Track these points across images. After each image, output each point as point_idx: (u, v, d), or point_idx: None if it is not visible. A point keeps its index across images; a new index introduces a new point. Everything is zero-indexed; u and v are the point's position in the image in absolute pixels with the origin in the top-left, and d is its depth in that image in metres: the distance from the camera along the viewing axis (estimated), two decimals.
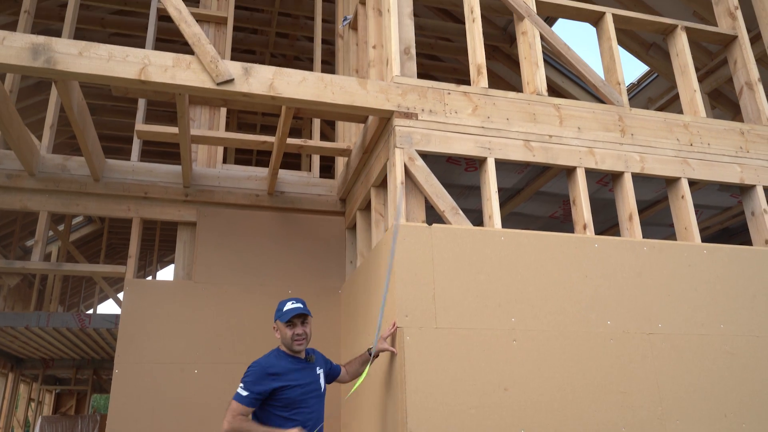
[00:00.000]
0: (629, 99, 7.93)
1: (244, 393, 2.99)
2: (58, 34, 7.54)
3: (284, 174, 5.55)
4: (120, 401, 4.56)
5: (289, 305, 3.20)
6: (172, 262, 15.89)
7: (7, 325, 5.69)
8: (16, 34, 3.45)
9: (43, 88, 9.30)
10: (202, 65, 3.67)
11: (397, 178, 3.75)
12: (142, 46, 7.19)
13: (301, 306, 3.20)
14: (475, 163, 4.37)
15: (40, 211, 5.08)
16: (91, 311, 16.03)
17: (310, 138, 7.10)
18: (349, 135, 5.69)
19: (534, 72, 4.37)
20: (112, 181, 5.13)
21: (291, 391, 3.05)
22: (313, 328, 4.97)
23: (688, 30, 5.00)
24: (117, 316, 5.74)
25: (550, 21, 7.19)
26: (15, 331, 6.17)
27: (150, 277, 15.09)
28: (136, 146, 5.46)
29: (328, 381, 3.45)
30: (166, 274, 21.96)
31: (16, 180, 4.95)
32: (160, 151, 11.68)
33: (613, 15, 4.81)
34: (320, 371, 3.32)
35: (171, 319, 4.84)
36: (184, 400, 4.58)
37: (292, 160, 10.94)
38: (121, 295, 9.65)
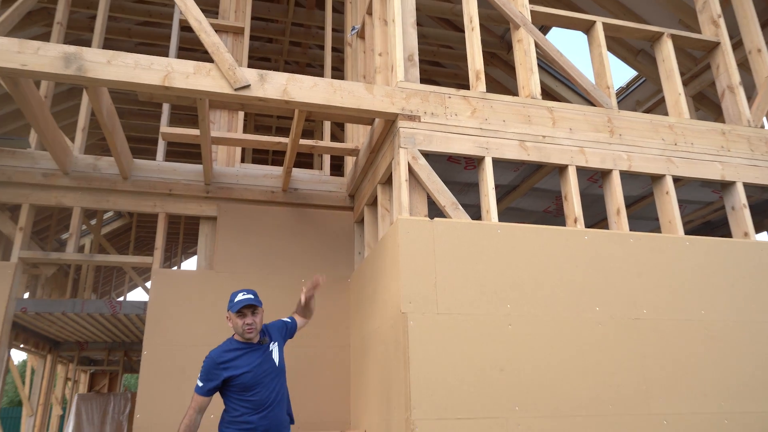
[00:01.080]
0: (618, 102, 7.89)
1: (200, 384, 3.03)
2: (88, 44, 7.56)
3: (297, 172, 5.56)
4: (148, 380, 4.61)
5: (240, 296, 3.12)
6: (195, 253, 15.96)
7: (45, 311, 5.74)
8: (50, 44, 3.47)
9: (75, 94, 9.35)
10: (221, 72, 3.68)
11: (401, 176, 3.75)
12: (166, 54, 7.19)
13: (252, 297, 3.12)
14: (474, 162, 4.36)
15: (74, 207, 5.12)
16: (121, 298, 16.14)
17: (321, 139, 7.12)
18: (357, 136, 5.69)
19: (529, 77, 4.36)
20: (140, 179, 5.16)
21: (242, 377, 3.01)
22: (324, 313, 5.04)
23: (673, 37, 4.96)
24: (145, 303, 5.78)
25: (544, 29, 7.16)
26: (52, 317, 6.22)
27: (175, 267, 15.17)
28: (161, 147, 5.49)
29: (290, 336, 3.51)
30: (189, 264, 22.04)
31: (51, 178, 4.99)
32: (183, 151, 11.73)
33: (603, 23, 4.78)
34: (274, 347, 3.22)
35: (194, 305, 4.88)
36: None
37: (305, 160, 10.96)
38: (148, 284, 9.70)
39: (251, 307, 3.12)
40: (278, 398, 3.11)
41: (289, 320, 3.58)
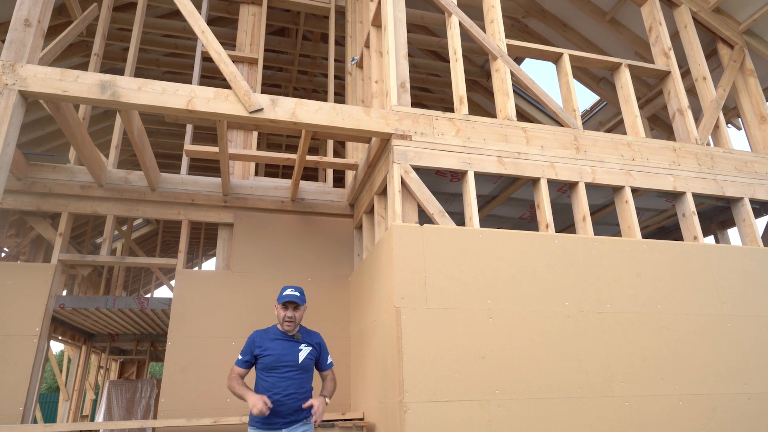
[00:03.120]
0: (583, 123, 7.95)
1: (239, 357, 3.14)
2: (121, 72, 7.55)
3: (304, 184, 5.56)
4: (172, 368, 4.57)
5: (287, 291, 3.14)
6: (214, 255, 15.89)
7: (81, 306, 5.70)
8: (88, 72, 3.47)
9: (109, 116, 9.33)
10: (238, 97, 3.68)
11: (395, 188, 3.75)
12: (190, 82, 7.18)
13: (297, 295, 3.13)
14: (458, 175, 4.38)
15: (108, 215, 5.09)
16: (149, 295, 16.02)
17: (325, 155, 7.11)
18: (356, 153, 5.70)
19: (506, 101, 4.38)
20: (166, 191, 5.15)
21: (266, 357, 3.06)
22: (327, 308, 5.03)
23: (630, 67, 5.01)
24: (170, 299, 5.75)
25: (519, 60, 7.21)
26: (87, 312, 6.17)
27: (196, 268, 15.09)
28: (184, 162, 5.48)
29: (316, 363, 3.25)
30: (209, 265, 21.88)
31: (88, 190, 4.98)
32: (204, 166, 11.72)
33: (570, 55, 4.82)
34: (303, 347, 3.15)
35: (213, 302, 4.85)
36: (223, 367, 4.59)
37: (311, 173, 10.96)
38: (173, 282, 9.63)
39: (293, 303, 3.14)
40: (291, 390, 3.01)
41: (326, 363, 3.29)
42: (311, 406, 3.03)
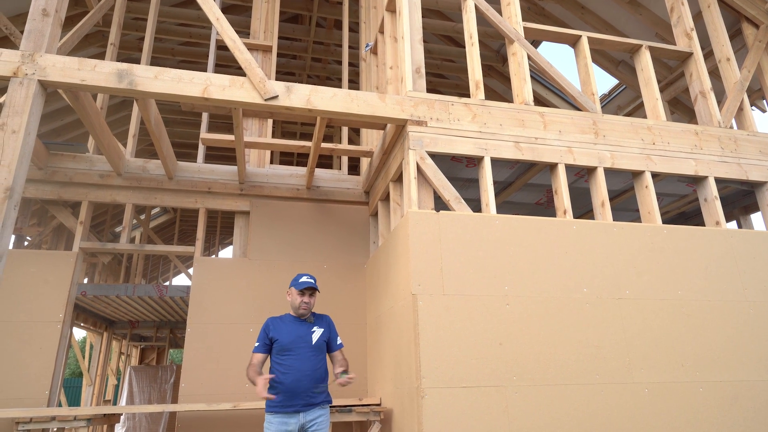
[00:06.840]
0: (602, 107, 7.81)
1: (256, 344, 3.23)
2: (137, 61, 7.59)
3: (319, 172, 5.56)
4: (191, 354, 4.65)
5: (304, 278, 3.29)
6: (231, 243, 16.05)
7: (102, 294, 5.80)
8: (105, 62, 3.49)
9: (126, 105, 9.42)
10: (253, 85, 3.68)
11: (411, 174, 3.74)
12: (205, 70, 7.20)
13: (313, 282, 3.29)
14: (475, 161, 4.34)
15: (126, 204, 5.16)
16: (167, 283, 16.28)
17: (340, 142, 7.10)
18: (371, 139, 5.67)
19: (522, 86, 4.32)
20: (183, 179, 5.20)
21: (281, 340, 3.16)
22: (343, 295, 5.06)
23: (651, 49, 4.89)
24: (188, 287, 5.82)
25: (536, 44, 7.08)
26: (108, 299, 6.28)
27: (213, 256, 15.26)
28: (201, 151, 5.51)
29: (327, 344, 3.34)
30: (226, 253, 22.10)
31: (107, 179, 5.04)
32: (220, 154, 11.79)
33: (588, 37, 4.72)
34: (316, 329, 3.26)
35: (230, 289, 4.91)
36: (241, 353, 4.65)
37: (326, 161, 10.97)
38: (191, 270, 9.76)
39: (311, 289, 3.29)
40: (308, 370, 3.10)
41: (337, 343, 3.37)
42: (328, 394, 3.16)
